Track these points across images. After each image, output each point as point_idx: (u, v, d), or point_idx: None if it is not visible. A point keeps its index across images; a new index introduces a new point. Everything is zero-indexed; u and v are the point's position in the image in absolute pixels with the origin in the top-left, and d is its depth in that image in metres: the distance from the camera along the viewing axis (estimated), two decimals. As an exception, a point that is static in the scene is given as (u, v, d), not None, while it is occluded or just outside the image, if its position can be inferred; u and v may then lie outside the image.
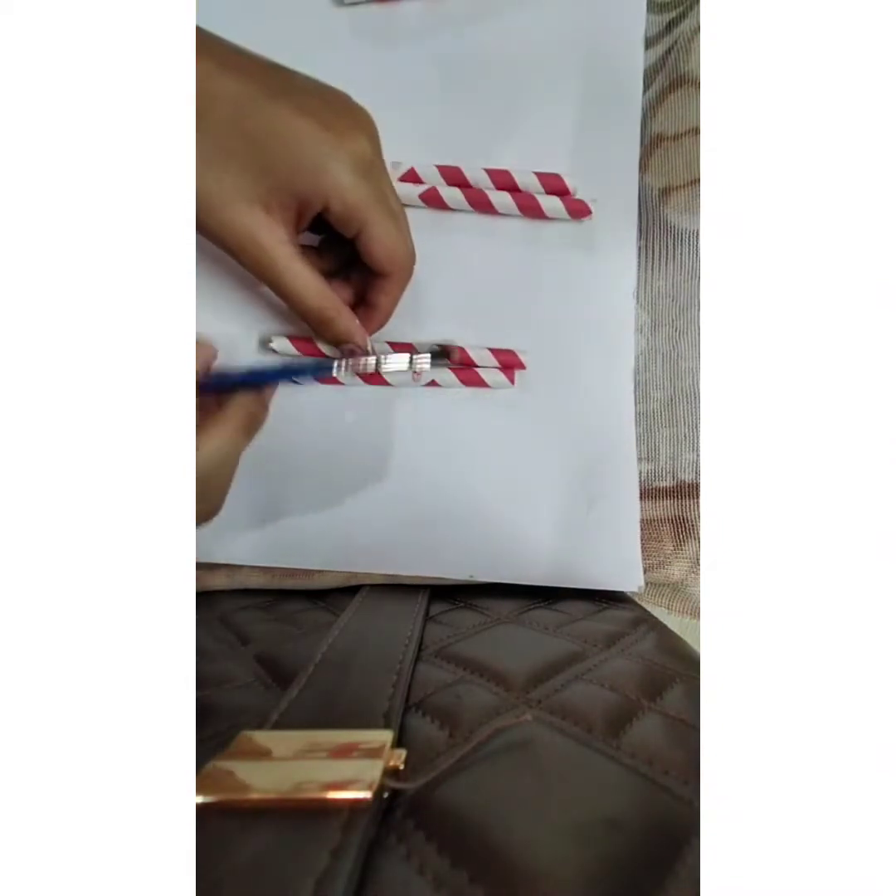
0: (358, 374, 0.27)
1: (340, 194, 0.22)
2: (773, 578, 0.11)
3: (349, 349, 0.26)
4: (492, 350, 0.27)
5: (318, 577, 0.30)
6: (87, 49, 0.11)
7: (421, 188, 0.27)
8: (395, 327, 0.29)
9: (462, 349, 0.27)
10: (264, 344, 0.29)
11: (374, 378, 0.28)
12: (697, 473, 0.28)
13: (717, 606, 0.11)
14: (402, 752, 0.14)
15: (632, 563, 0.28)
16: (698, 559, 0.28)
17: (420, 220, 0.26)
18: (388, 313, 0.26)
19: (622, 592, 0.28)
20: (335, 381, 0.28)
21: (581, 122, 0.28)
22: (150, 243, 0.12)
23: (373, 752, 0.13)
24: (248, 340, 0.29)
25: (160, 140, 0.12)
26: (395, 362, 0.26)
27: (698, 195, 0.27)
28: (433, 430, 0.29)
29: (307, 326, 0.26)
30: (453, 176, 0.27)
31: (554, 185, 0.27)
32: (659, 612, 0.28)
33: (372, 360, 0.26)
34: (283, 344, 0.28)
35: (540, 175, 0.27)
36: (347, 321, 0.25)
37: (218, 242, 0.22)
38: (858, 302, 0.11)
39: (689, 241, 0.27)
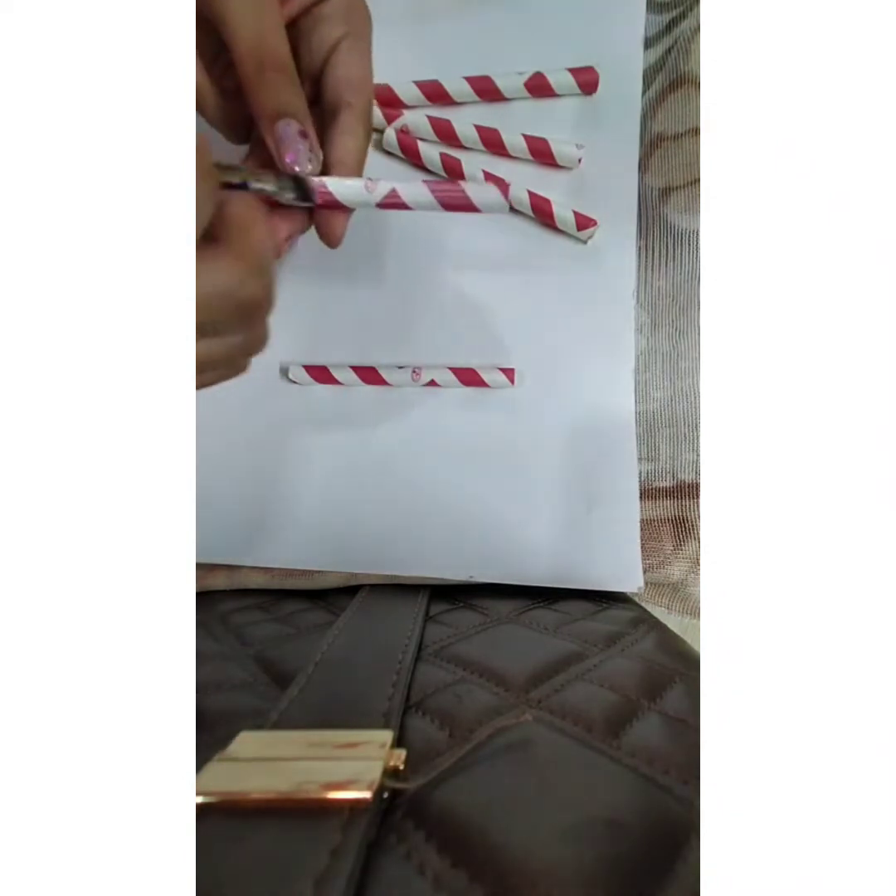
0: (302, 185, 0.20)
1: None
2: (773, 578, 0.11)
3: (286, 132, 0.19)
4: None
5: (318, 577, 0.30)
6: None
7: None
8: (394, 321, 0.29)
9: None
10: (283, 373, 0.29)
11: (375, 378, 0.28)
12: (697, 473, 0.28)
13: (717, 606, 0.11)
14: (402, 752, 0.14)
15: (632, 564, 0.28)
16: (698, 559, 0.28)
17: (423, 219, 0.26)
18: (357, 162, 0.20)
19: (622, 592, 0.28)
20: (335, 381, 0.28)
21: (580, 121, 0.28)
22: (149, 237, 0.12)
23: (373, 752, 0.13)
24: (271, 366, 0.29)
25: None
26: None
27: (698, 195, 0.27)
28: (433, 429, 0.29)
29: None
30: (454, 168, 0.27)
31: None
32: (659, 612, 0.28)
33: (315, 159, 0.19)
34: (299, 373, 0.29)
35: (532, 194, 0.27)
36: (297, 89, 0.19)
37: None
38: (859, 302, 0.11)
39: (689, 241, 0.27)
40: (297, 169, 0.19)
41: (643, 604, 0.29)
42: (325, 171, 0.20)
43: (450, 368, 0.28)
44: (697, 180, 0.27)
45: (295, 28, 0.20)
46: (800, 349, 0.11)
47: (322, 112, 0.21)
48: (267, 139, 0.19)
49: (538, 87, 0.27)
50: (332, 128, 0.20)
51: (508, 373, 0.28)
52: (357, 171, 0.21)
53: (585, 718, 0.16)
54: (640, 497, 0.28)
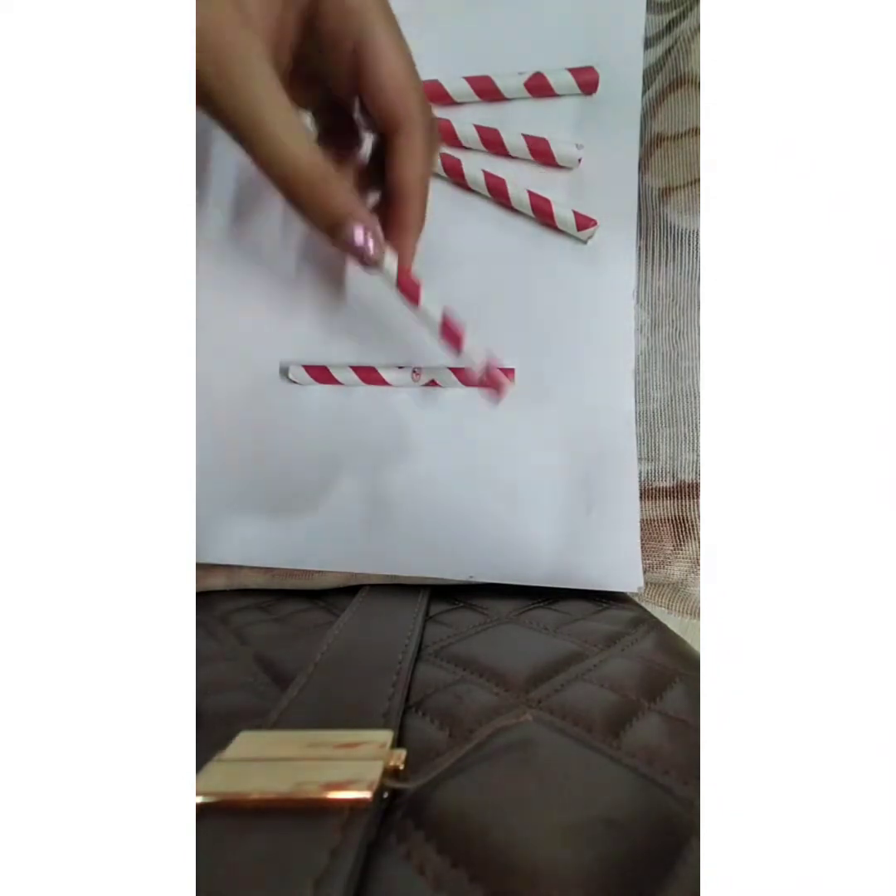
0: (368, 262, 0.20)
1: None
2: (773, 578, 0.11)
3: (350, 237, 0.19)
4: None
5: (318, 577, 0.30)
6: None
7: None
8: (394, 321, 0.29)
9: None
10: (283, 373, 0.29)
11: (375, 378, 0.28)
12: (697, 473, 0.28)
13: (717, 606, 0.11)
14: (402, 752, 0.14)
15: (632, 564, 0.28)
16: (698, 559, 0.28)
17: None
18: (418, 193, 0.20)
19: (622, 592, 0.28)
20: (335, 381, 0.28)
21: (580, 121, 0.28)
22: (149, 237, 0.12)
23: (373, 752, 0.13)
24: (271, 366, 0.29)
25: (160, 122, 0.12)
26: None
27: (698, 195, 0.27)
28: (433, 430, 0.29)
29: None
30: (454, 168, 0.27)
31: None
32: (659, 612, 0.28)
33: (389, 259, 0.20)
34: (299, 373, 0.29)
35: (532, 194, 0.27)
36: (345, 194, 0.18)
37: None
38: (859, 302, 0.11)
39: (689, 241, 0.27)
40: (370, 267, 0.20)
41: (643, 604, 0.29)
42: (391, 193, 0.20)
43: (450, 368, 0.28)
44: (697, 180, 0.27)
45: (308, 25, 0.18)
46: (800, 349, 0.11)
47: (377, 119, 0.19)
48: (333, 244, 0.19)
49: (538, 87, 0.27)
50: (393, 148, 0.19)
51: (508, 373, 0.28)
52: (422, 194, 0.21)
53: (585, 718, 0.16)
54: (640, 497, 0.28)
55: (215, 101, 0.16)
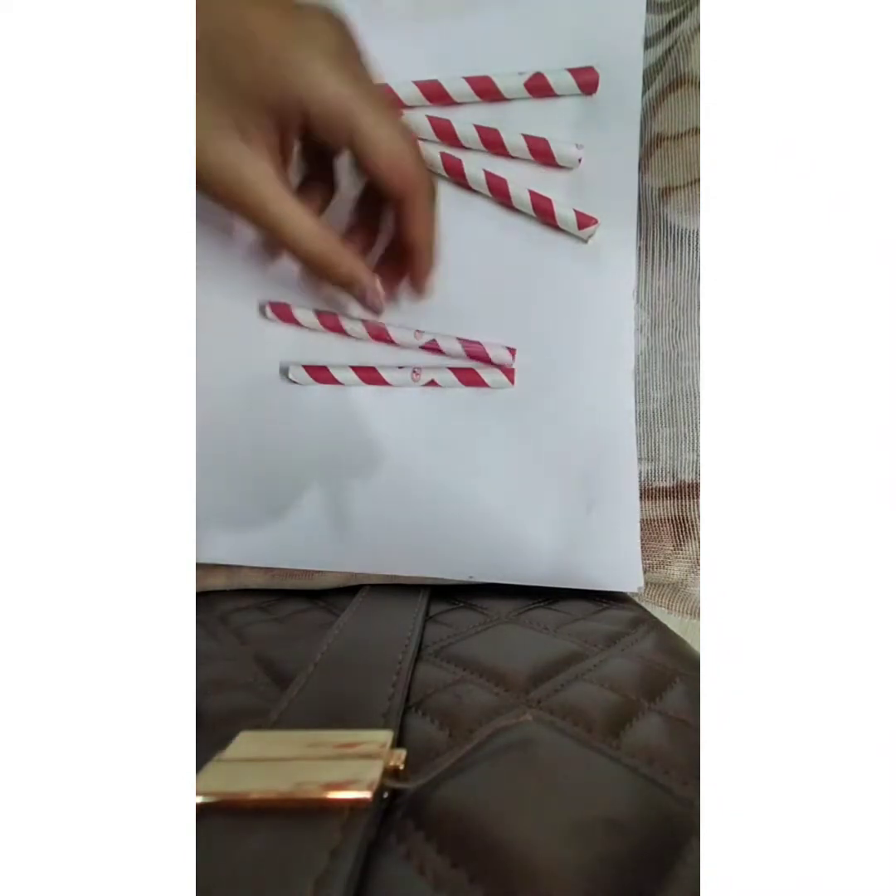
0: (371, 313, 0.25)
1: (317, 90, 0.18)
2: (773, 578, 0.11)
3: (360, 293, 0.23)
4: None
5: (318, 577, 0.30)
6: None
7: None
8: (394, 320, 0.29)
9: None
10: (283, 373, 0.29)
11: (374, 378, 0.28)
12: (697, 473, 0.28)
13: (717, 606, 0.11)
14: (402, 752, 0.14)
15: (632, 564, 0.28)
16: (698, 559, 0.28)
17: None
18: (426, 246, 0.23)
19: (622, 592, 0.28)
20: (335, 381, 0.28)
21: (580, 121, 0.28)
22: (150, 239, 0.12)
23: (373, 752, 0.13)
24: (271, 366, 0.29)
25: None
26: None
27: (698, 195, 0.27)
28: (433, 430, 0.29)
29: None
30: (455, 168, 0.27)
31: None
32: (659, 612, 0.28)
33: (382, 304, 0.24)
34: (299, 373, 0.29)
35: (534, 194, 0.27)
36: (351, 262, 0.22)
37: (196, 187, 0.20)
38: (858, 302, 0.11)
39: (689, 241, 0.27)
40: (376, 313, 0.25)
41: (643, 604, 0.29)
42: (404, 247, 0.23)
43: (450, 368, 0.28)
44: (697, 180, 0.27)
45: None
46: (799, 349, 0.11)
47: (383, 190, 0.21)
48: (347, 292, 0.24)
49: (538, 87, 0.27)
50: (401, 212, 0.22)
51: (508, 373, 0.28)
52: (431, 243, 0.24)
53: (585, 718, 0.16)
54: (640, 497, 0.28)
55: (248, 218, 0.20)
